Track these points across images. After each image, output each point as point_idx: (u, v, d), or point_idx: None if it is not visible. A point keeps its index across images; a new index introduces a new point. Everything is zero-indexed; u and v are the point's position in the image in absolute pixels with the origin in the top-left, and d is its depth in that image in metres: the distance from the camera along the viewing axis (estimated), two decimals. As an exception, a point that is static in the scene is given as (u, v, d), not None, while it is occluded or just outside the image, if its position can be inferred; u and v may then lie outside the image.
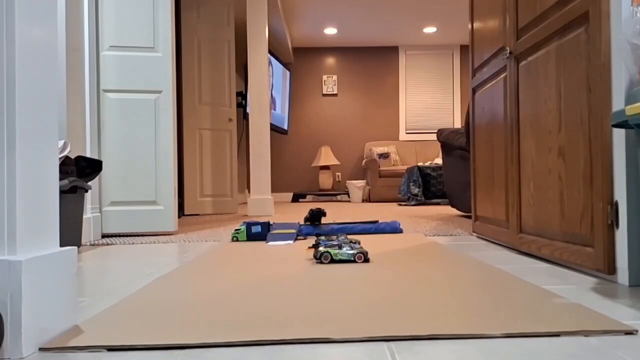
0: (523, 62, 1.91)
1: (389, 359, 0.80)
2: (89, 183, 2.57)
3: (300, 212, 4.73)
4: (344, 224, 2.87)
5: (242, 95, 6.28)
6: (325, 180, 7.48)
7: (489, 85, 2.33)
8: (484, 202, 2.41)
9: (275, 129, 6.90)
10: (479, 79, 2.46)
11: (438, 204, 6.05)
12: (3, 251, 0.86)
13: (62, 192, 2.12)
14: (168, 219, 2.87)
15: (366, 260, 1.75)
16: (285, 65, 7.46)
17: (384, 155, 7.28)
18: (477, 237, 2.54)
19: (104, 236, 2.82)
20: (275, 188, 7.94)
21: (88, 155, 2.67)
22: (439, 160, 6.58)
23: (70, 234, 2.19)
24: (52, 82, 0.98)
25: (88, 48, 2.70)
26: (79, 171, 2.31)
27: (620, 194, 1.32)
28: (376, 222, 2.85)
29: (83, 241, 2.53)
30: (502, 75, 2.13)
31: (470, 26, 2.61)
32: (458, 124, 7.96)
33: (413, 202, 5.68)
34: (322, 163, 7.41)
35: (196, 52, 4.71)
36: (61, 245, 2.07)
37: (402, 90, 7.94)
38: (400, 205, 6.06)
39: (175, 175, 2.94)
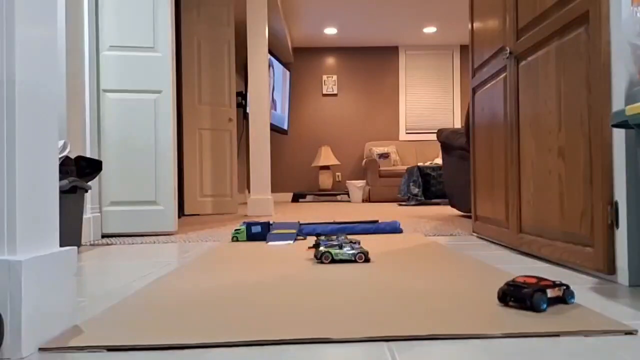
0: (523, 62, 1.91)
1: (389, 359, 0.80)
2: (89, 183, 2.57)
3: (300, 212, 4.74)
4: (344, 223, 2.87)
5: (242, 95, 6.27)
6: (325, 180, 7.48)
7: (489, 85, 2.33)
8: (484, 202, 2.41)
9: (275, 129, 6.89)
10: (479, 79, 2.46)
11: (438, 204, 6.05)
12: (3, 251, 0.86)
13: (62, 192, 2.12)
14: (168, 219, 2.87)
15: (367, 260, 1.75)
16: (285, 65, 7.46)
17: (384, 155, 7.28)
18: (477, 237, 2.54)
19: (104, 236, 2.82)
20: (275, 188, 7.94)
21: (88, 155, 2.67)
22: (439, 160, 6.58)
23: (70, 234, 2.19)
24: (52, 82, 0.98)
25: (88, 48, 2.69)
26: (79, 171, 2.31)
27: (620, 194, 1.32)
28: (376, 222, 2.85)
29: (83, 241, 2.53)
30: (502, 75, 2.13)
31: (470, 26, 2.61)
32: (458, 124, 7.96)
33: (413, 202, 5.68)
34: (322, 163, 7.41)
35: (196, 52, 4.71)
36: (61, 245, 2.07)
37: (402, 90, 7.94)
38: (400, 205, 6.06)
39: (175, 175, 2.94)
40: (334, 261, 1.75)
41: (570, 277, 1.47)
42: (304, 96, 7.93)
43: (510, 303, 1.09)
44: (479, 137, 2.49)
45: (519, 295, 1.06)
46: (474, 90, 2.58)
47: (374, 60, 7.96)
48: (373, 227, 2.77)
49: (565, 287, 1.11)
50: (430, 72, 7.99)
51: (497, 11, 2.18)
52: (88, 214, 2.64)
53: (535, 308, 1.03)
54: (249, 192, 4.80)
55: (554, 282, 1.10)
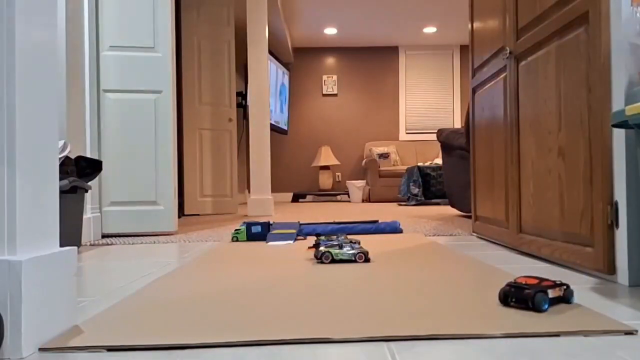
0: (523, 62, 1.91)
1: (389, 359, 0.80)
2: (89, 183, 2.57)
3: (300, 212, 4.74)
4: (344, 223, 2.88)
5: (242, 95, 6.27)
6: (325, 180, 7.48)
7: (489, 85, 2.33)
8: (484, 202, 2.41)
9: (275, 129, 6.89)
10: (479, 79, 2.46)
11: (438, 204, 6.05)
12: (3, 251, 0.86)
13: (62, 192, 2.12)
14: (168, 219, 2.87)
15: (367, 260, 1.75)
16: (285, 65, 7.46)
17: (384, 155, 7.28)
18: (477, 237, 2.54)
19: (104, 236, 2.82)
20: (275, 188, 7.94)
21: (88, 155, 2.67)
22: (439, 160, 6.58)
23: (70, 234, 2.19)
24: (52, 83, 0.98)
25: (88, 48, 2.69)
26: (79, 171, 2.31)
27: (620, 194, 1.32)
28: (376, 222, 2.85)
29: (83, 241, 2.53)
30: (502, 75, 2.13)
31: (470, 26, 2.61)
32: (458, 124, 7.96)
33: (413, 202, 5.68)
34: (322, 163, 7.41)
35: (196, 52, 4.71)
36: (61, 245, 2.07)
37: (402, 90, 7.94)
38: (400, 205, 6.06)
39: (175, 175, 2.94)
40: (334, 261, 1.75)
41: (570, 277, 1.47)
42: (304, 96, 7.93)
43: (512, 304, 1.09)
44: (479, 137, 2.49)
45: (520, 296, 1.06)
46: (474, 90, 2.58)
47: (374, 60, 7.96)
48: (373, 227, 2.77)
49: (565, 287, 1.11)
50: (430, 72, 7.98)
51: (497, 11, 2.18)
52: (88, 214, 2.64)
53: (537, 308, 1.03)
54: (249, 192, 4.80)
55: (554, 282, 1.10)
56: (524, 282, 1.09)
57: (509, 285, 1.10)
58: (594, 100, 1.40)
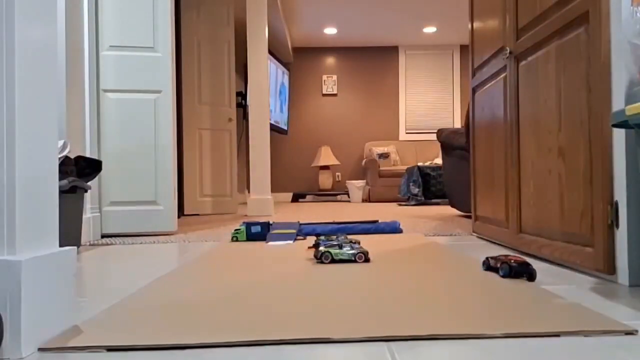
0: (523, 62, 1.91)
1: (389, 359, 0.80)
2: (89, 183, 2.57)
3: (300, 212, 4.73)
4: (344, 223, 2.87)
5: (242, 95, 6.27)
6: (325, 180, 7.48)
7: (489, 85, 2.33)
8: (484, 202, 2.40)
9: (275, 129, 6.89)
10: (479, 79, 2.46)
11: (438, 204, 6.05)
12: (3, 251, 0.86)
13: (62, 192, 2.12)
14: (168, 219, 2.87)
15: (366, 260, 1.75)
16: (285, 65, 7.46)
17: (384, 155, 7.28)
18: (477, 237, 2.54)
19: (103, 236, 2.82)
20: (275, 188, 7.93)
21: (88, 155, 2.67)
22: (439, 160, 6.58)
23: (70, 234, 2.19)
24: (52, 82, 0.98)
25: (88, 48, 2.69)
26: (79, 171, 2.31)
27: (620, 194, 1.32)
28: (376, 222, 2.85)
29: (83, 241, 2.53)
30: (502, 75, 2.13)
31: (470, 26, 2.61)
32: (458, 124, 7.96)
33: (413, 202, 5.68)
34: (322, 163, 7.41)
35: (196, 52, 4.71)
36: (61, 245, 2.07)
37: (402, 90, 7.94)
38: (400, 205, 6.06)
39: (175, 175, 2.94)
40: (333, 261, 1.75)
41: (570, 277, 1.47)
42: (303, 96, 7.93)
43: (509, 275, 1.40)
44: (479, 137, 2.49)
45: (520, 270, 1.39)
46: (474, 90, 2.58)
47: (374, 60, 7.96)
48: (373, 227, 2.77)
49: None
50: (430, 72, 7.98)
51: (497, 11, 2.17)
52: (88, 214, 2.63)
53: (534, 279, 1.38)
54: (249, 192, 4.80)
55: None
56: (512, 260, 1.41)
57: (501, 260, 1.44)
58: (594, 100, 1.40)
